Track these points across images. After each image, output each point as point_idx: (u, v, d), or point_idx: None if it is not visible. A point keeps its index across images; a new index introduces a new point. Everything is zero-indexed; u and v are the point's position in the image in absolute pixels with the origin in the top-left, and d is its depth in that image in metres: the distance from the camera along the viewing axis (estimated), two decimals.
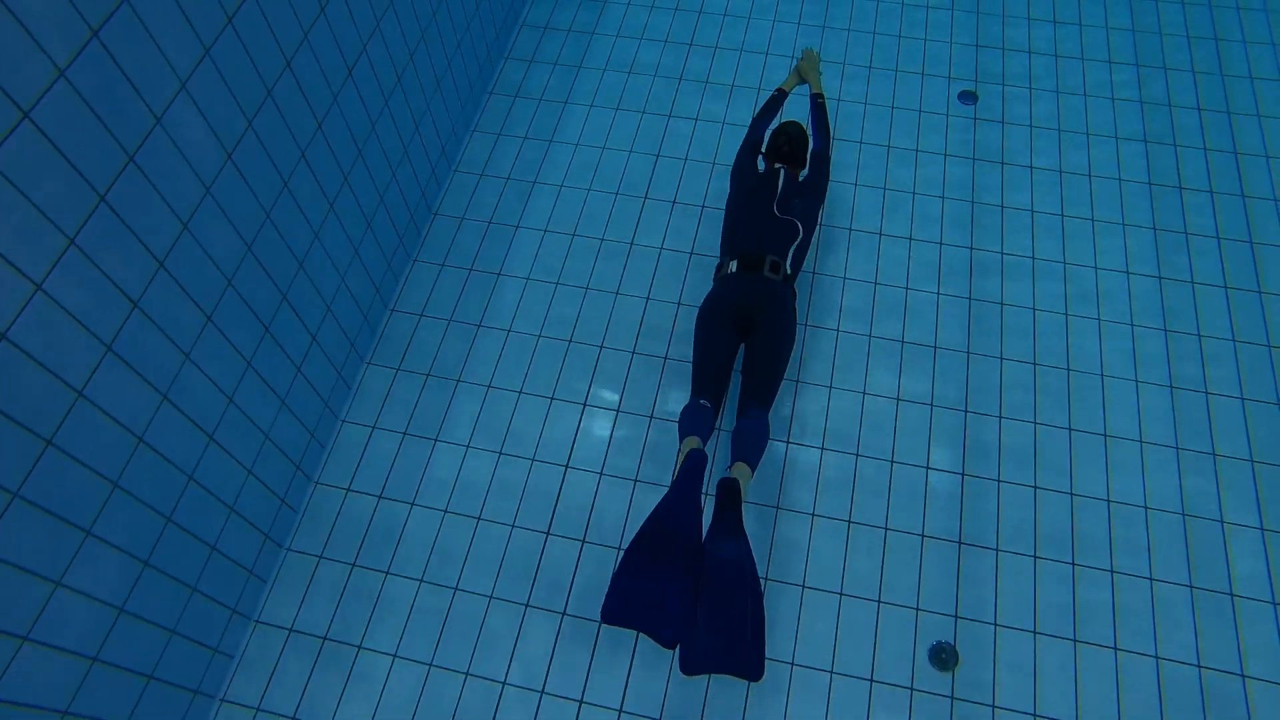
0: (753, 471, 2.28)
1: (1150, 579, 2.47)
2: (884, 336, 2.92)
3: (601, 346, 2.93)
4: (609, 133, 3.50)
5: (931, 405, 2.78)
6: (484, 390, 2.84)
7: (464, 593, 2.48)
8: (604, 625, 2.32)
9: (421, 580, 2.50)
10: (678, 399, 2.79)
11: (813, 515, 2.58)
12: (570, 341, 2.94)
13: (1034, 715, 2.28)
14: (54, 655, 1.67)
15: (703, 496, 2.18)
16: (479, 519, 2.60)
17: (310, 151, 2.28)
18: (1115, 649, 2.37)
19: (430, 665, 2.38)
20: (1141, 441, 2.71)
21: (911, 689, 2.31)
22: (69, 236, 1.50)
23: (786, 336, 2.46)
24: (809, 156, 2.80)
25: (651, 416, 2.78)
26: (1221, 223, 3.19)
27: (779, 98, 2.95)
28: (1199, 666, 2.34)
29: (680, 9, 3.92)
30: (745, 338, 2.48)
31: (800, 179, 2.73)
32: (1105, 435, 2.73)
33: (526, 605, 2.46)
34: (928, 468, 2.67)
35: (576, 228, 3.22)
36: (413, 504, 2.63)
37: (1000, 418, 2.76)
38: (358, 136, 2.54)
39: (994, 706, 2.29)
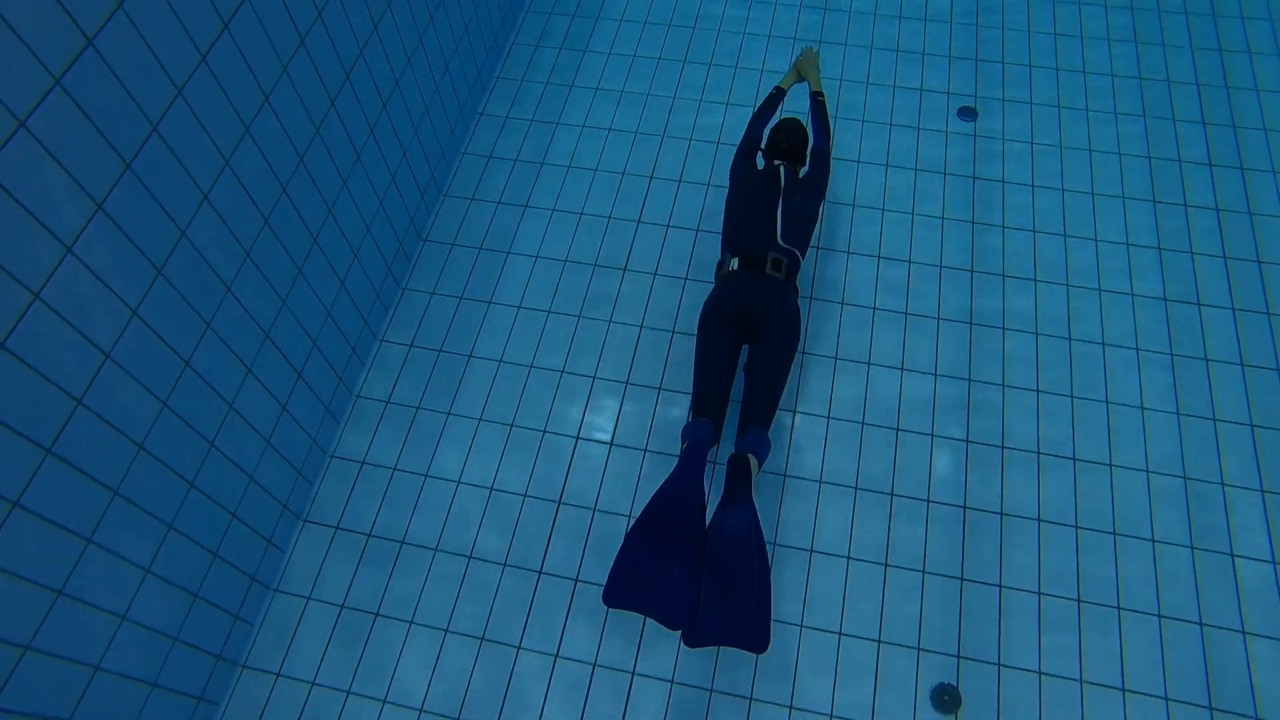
0: (759, 466, 2.29)
1: (1158, 616, 2.41)
2: (883, 364, 2.86)
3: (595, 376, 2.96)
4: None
5: (932, 435, 2.71)
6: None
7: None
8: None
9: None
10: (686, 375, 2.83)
11: (810, 551, 2.53)
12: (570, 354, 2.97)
13: None
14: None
15: (705, 484, 2.18)
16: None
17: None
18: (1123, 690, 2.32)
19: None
20: (1148, 472, 2.64)
21: None
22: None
23: (791, 335, 2.44)
24: (809, 153, 2.78)
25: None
26: (1228, 243, 3.11)
27: (777, 96, 2.92)
28: (1210, 709, 2.30)
29: (674, 25, 3.84)
30: (748, 338, 2.47)
31: (801, 175, 2.71)
32: (1110, 465, 2.65)
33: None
34: (929, 500, 2.61)
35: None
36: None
37: (1003, 447, 2.69)
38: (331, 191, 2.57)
39: None
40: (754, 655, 2.33)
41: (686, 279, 3.05)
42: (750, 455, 2.27)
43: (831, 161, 2.90)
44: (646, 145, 3.43)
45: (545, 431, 2.75)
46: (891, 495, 2.61)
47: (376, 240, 2.77)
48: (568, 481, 2.66)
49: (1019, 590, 2.46)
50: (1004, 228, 3.17)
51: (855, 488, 2.62)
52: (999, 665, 2.36)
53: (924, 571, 2.49)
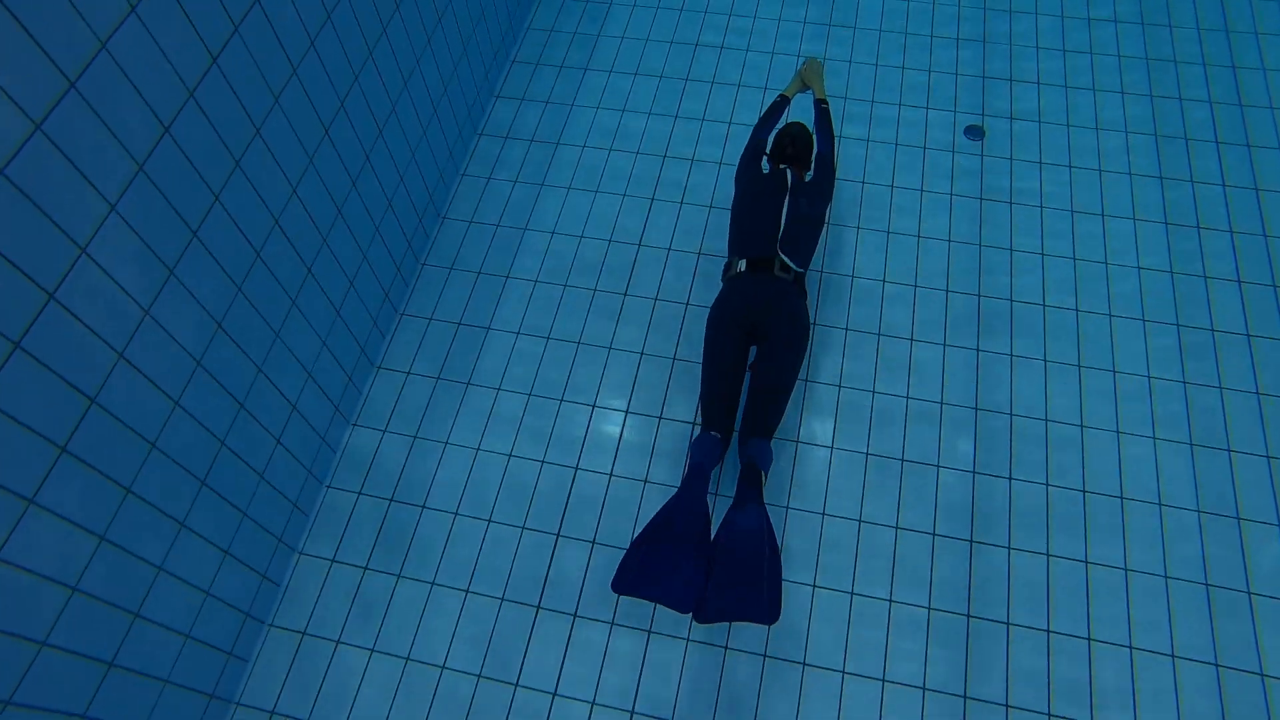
0: (765, 477, 2.31)
1: (1172, 656, 2.35)
2: (887, 392, 2.80)
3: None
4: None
5: (938, 466, 2.67)
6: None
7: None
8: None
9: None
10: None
11: (814, 587, 2.54)
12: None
13: None
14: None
15: (710, 497, 2.21)
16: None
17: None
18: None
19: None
20: (1160, 504, 2.59)
21: None
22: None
23: (798, 338, 2.45)
24: (814, 159, 2.78)
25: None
26: (1243, 267, 3.04)
27: (781, 104, 2.93)
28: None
29: (676, 41, 3.79)
30: (756, 340, 2.48)
31: (806, 180, 2.72)
32: (1121, 498, 2.60)
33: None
34: (933, 538, 2.55)
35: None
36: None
37: (1010, 478, 2.64)
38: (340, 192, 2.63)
39: None
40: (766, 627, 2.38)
41: (688, 304, 3.00)
42: (758, 467, 2.32)
43: (837, 168, 2.90)
44: (648, 165, 3.37)
45: (544, 462, 2.75)
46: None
47: (373, 267, 2.72)
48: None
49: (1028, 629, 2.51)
50: (1011, 250, 3.10)
51: (859, 518, 2.59)
52: (1006, 706, 2.41)
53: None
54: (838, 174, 3.26)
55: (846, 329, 2.93)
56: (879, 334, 2.92)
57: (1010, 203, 3.23)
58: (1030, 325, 2.93)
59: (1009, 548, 2.52)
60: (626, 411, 2.79)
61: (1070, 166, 3.32)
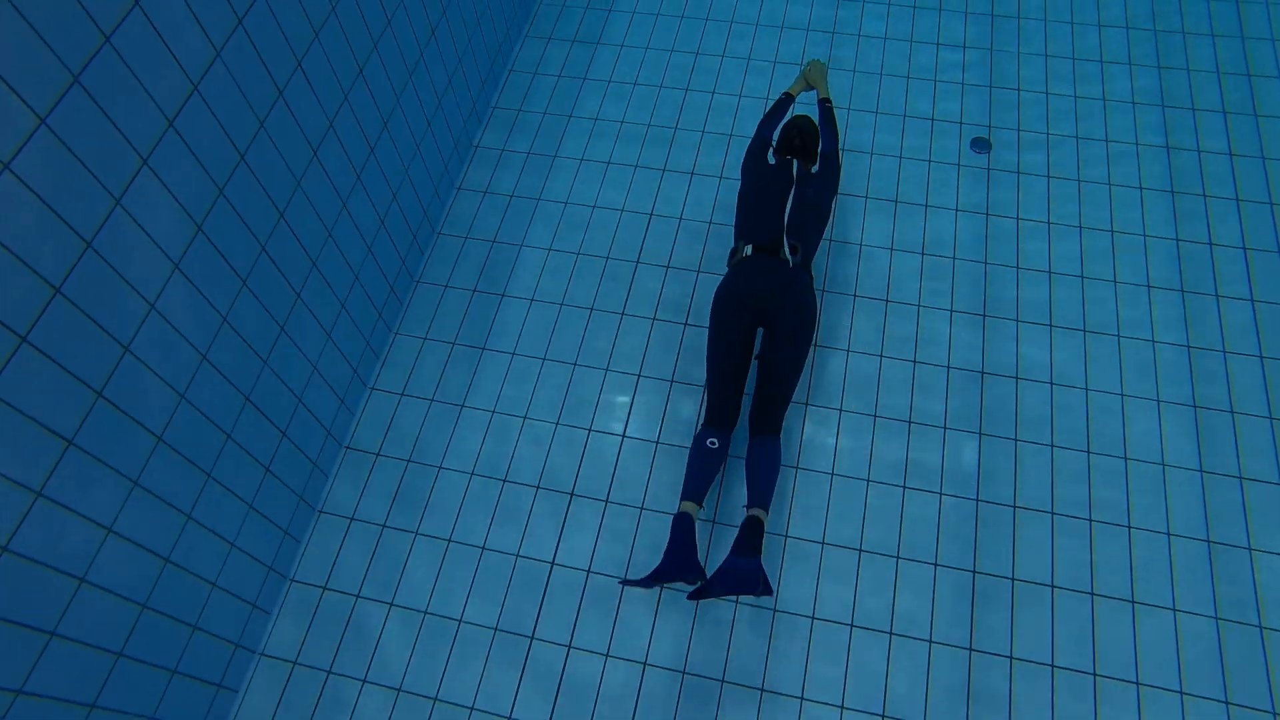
0: (767, 512, 2.31)
1: (1180, 693, 2.32)
2: (889, 416, 2.75)
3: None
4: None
5: (940, 494, 2.61)
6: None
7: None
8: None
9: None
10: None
11: (812, 619, 2.44)
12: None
13: None
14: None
15: (695, 549, 2.23)
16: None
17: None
18: None
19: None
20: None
21: None
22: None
23: (806, 323, 2.45)
24: (819, 155, 2.80)
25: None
26: (1256, 286, 2.95)
27: (786, 101, 2.94)
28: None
29: (676, 50, 3.71)
30: (763, 323, 2.47)
31: (812, 172, 2.73)
32: (1129, 527, 2.54)
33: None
34: (936, 564, 2.50)
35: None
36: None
37: (1014, 507, 2.58)
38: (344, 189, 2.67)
39: None
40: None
41: (686, 325, 2.95)
42: (757, 513, 2.29)
43: (841, 163, 2.90)
44: (647, 179, 3.31)
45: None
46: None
47: (365, 287, 2.70)
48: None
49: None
50: (1018, 268, 3.03)
51: (859, 548, 2.57)
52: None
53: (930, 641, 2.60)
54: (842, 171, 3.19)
55: (848, 350, 2.88)
56: (880, 354, 2.87)
57: (1017, 218, 3.15)
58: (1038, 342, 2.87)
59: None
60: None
61: (1079, 180, 3.23)
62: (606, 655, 2.39)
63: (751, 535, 2.22)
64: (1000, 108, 3.47)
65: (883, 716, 2.29)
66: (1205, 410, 2.72)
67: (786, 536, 2.55)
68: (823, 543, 2.53)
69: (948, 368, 2.85)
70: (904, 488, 2.62)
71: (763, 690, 2.32)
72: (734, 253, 2.62)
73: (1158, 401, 2.74)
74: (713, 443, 2.38)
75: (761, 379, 2.45)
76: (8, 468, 1.44)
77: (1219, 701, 2.29)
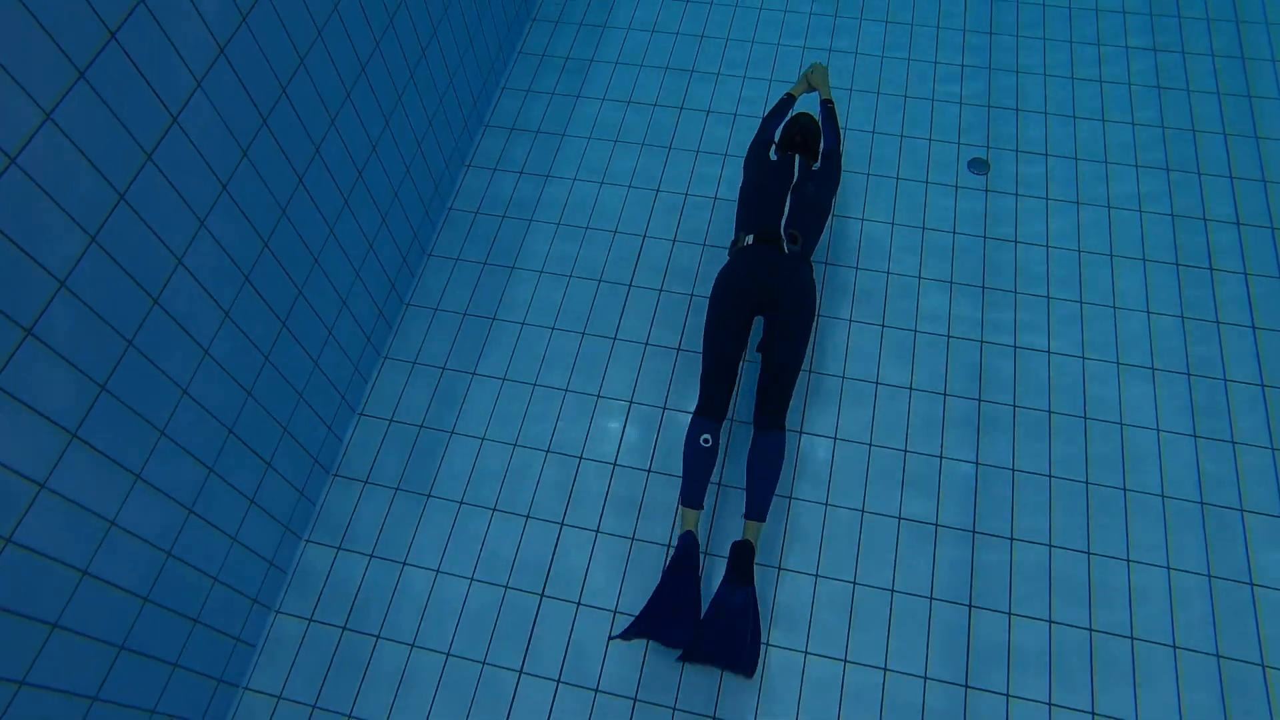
0: (764, 521, 2.37)
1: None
2: (885, 445, 2.71)
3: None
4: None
5: (936, 525, 2.57)
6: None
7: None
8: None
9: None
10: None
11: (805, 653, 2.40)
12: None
13: None
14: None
15: (699, 575, 2.31)
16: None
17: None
18: None
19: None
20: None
21: None
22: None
23: (807, 311, 2.47)
24: (820, 154, 2.83)
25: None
26: (1258, 313, 2.92)
27: (788, 101, 2.99)
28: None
29: (670, 68, 3.69)
30: (763, 312, 2.50)
31: (813, 169, 2.75)
32: (1127, 560, 2.50)
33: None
34: (931, 597, 2.46)
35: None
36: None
37: (1011, 539, 2.54)
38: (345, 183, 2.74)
39: None
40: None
41: (680, 350, 2.94)
42: (753, 529, 2.34)
43: (842, 162, 2.93)
44: (641, 200, 3.29)
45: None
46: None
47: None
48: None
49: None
50: (1015, 293, 2.99)
51: (853, 581, 2.62)
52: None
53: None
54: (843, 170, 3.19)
55: (843, 377, 2.86)
56: (876, 383, 2.83)
57: (1015, 241, 3.11)
58: (1035, 379, 2.83)
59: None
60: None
61: (1079, 203, 3.19)
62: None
63: (743, 561, 2.29)
64: (998, 128, 3.43)
65: None
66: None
67: (779, 568, 2.61)
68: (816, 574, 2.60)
69: (943, 395, 2.88)
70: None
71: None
72: (735, 242, 2.66)
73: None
74: (706, 440, 2.40)
75: (764, 369, 2.48)
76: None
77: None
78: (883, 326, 2.94)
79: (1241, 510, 2.55)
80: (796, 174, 2.70)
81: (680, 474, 2.55)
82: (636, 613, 2.40)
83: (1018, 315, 2.95)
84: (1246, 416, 2.71)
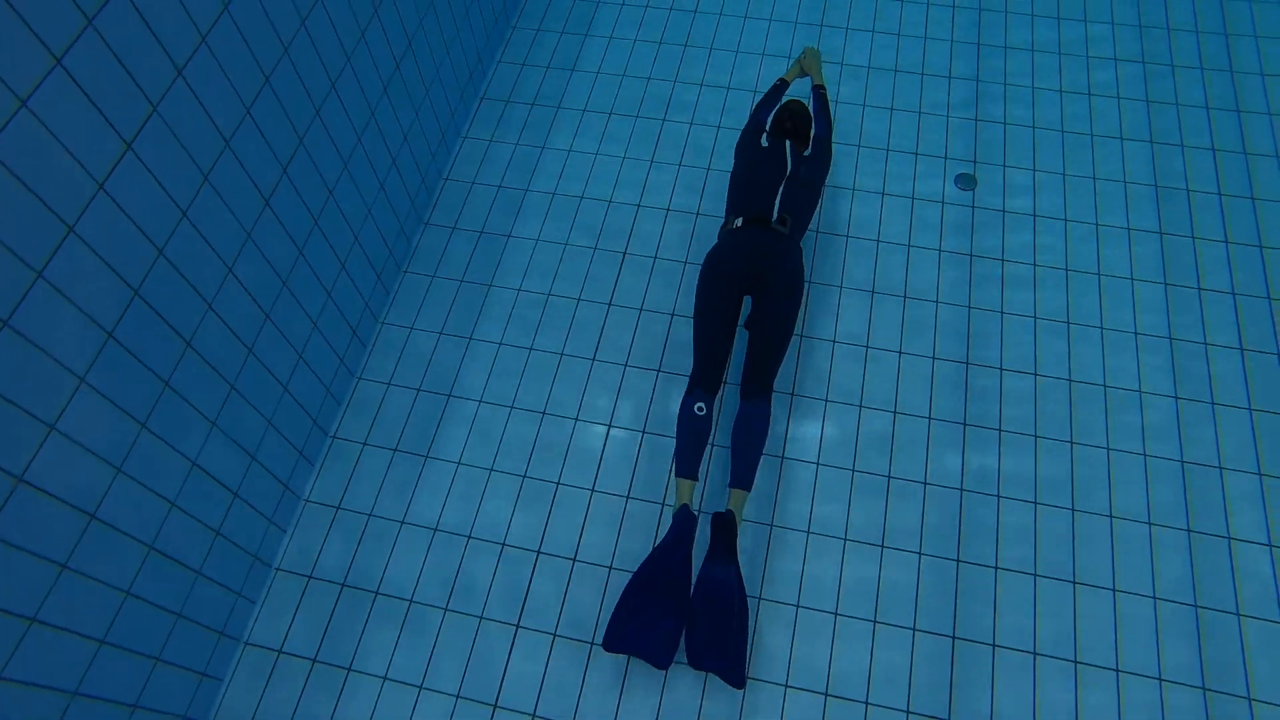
0: (749, 490, 2.38)
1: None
2: (869, 471, 2.67)
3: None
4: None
5: (920, 553, 2.54)
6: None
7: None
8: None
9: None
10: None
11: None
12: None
13: None
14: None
15: (691, 552, 2.31)
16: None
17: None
18: None
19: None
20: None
21: None
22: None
23: (796, 291, 2.49)
24: (811, 139, 2.86)
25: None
26: (1244, 332, 2.89)
27: (780, 87, 3.01)
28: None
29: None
30: (752, 291, 2.52)
31: (804, 155, 2.78)
32: (1114, 590, 2.48)
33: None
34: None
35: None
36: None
37: (996, 568, 2.51)
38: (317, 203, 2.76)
39: None
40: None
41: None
42: (738, 496, 2.35)
43: (833, 151, 2.94)
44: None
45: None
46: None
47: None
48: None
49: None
50: (1002, 313, 2.95)
51: (837, 612, 2.50)
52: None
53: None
54: (832, 164, 3.21)
55: (828, 395, 2.81)
56: (860, 405, 2.84)
57: (1002, 259, 3.07)
58: (1023, 397, 2.81)
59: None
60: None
61: (1066, 220, 3.16)
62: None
63: (726, 535, 2.29)
64: (985, 141, 3.39)
65: None
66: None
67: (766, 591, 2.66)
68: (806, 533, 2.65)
69: (928, 418, 2.91)
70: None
71: None
72: (726, 224, 2.68)
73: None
74: (700, 408, 2.42)
75: (751, 346, 2.50)
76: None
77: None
78: (866, 346, 2.91)
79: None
80: (787, 159, 2.73)
81: (674, 439, 2.59)
82: (632, 570, 2.47)
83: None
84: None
